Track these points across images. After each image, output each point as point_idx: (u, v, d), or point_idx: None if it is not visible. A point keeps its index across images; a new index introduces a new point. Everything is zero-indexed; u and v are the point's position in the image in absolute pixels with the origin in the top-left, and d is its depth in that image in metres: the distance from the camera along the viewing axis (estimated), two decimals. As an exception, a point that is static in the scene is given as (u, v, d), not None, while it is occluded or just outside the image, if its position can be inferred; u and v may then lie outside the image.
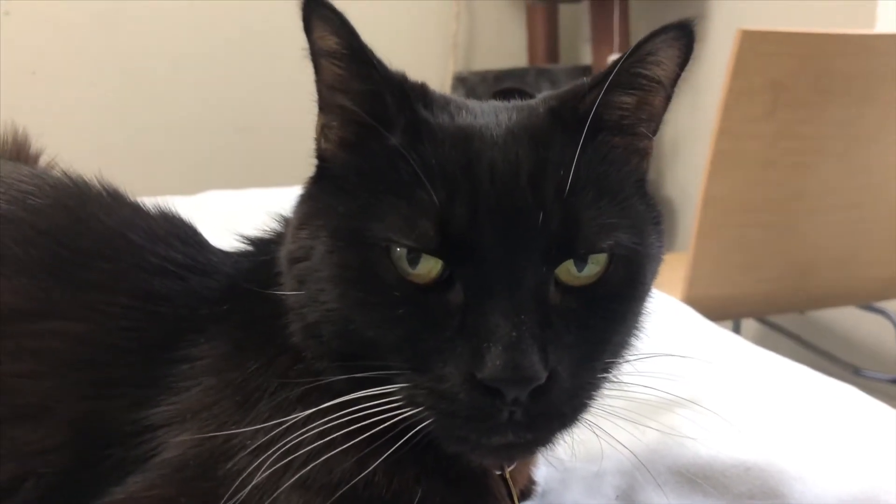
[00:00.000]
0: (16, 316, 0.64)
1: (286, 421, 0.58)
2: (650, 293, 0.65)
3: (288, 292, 0.61)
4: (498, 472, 0.66)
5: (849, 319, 2.23)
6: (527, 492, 0.74)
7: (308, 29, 0.59)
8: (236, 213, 1.60)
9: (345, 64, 0.59)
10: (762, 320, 2.26)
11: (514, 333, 0.53)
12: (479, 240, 0.55)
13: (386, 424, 0.55)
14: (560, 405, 0.56)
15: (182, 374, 0.64)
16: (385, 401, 0.55)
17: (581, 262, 0.57)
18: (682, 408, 0.81)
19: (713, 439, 0.79)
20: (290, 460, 0.57)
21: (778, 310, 2.08)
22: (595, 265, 0.58)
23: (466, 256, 0.55)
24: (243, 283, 0.67)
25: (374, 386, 0.56)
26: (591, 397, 0.59)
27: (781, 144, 1.64)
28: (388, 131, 0.58)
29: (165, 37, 2.90)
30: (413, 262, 0.56)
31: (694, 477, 0.75)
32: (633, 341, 0.65)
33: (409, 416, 0.55)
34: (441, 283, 0.56)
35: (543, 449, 0.63)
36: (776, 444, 0.80)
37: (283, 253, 0.63)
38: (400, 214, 0.56)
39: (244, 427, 0.59)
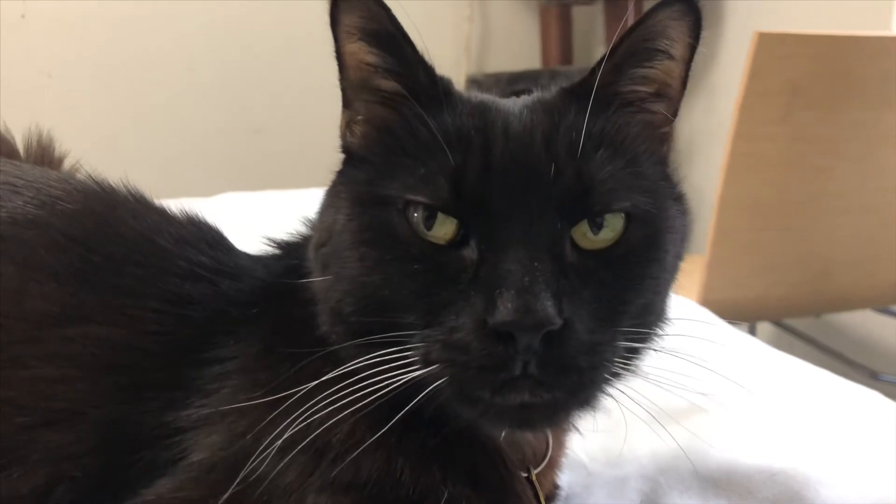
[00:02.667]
0: (47, 321, 0.64)
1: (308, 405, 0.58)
2: (672, 269, 0.64)
3: (315, 279, 0.62)
4: (524, 475, 0.66)
5: (865, 323, 2.22)
6: (551, 496, 0.74)
7: (335, 22, 0.61)
8: (254, 214, 1.61)
9: (383, 43, 0.61)
10: (777, 323, 2.25)
11: (526, 279, 0.53)
12: (492, 195, 0.56)
13: (403, 386, 0.55)
14: (576, 357, 0.54)
15: (211, 375, 0.64)
16: (401, 363, 0.55)
17: (596, 226, 0.58)
18: (705, 412, 0.81)
19: (737, 444, 0.79)
20: (318, 460, 0.58)
21: (794, 313, 2.07)
22: (610, 230, 0.58)
23: (480, 212, 0.56)
24: (272, 287, 0.68)
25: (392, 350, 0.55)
26: (610, 360, 0.57)
27: (798, 147, 1.64)
28: (416, 101, 0.61)
29: (180, 40, 2.91)
30: (429, 223, 0.57)
31: (718, 482, 0.75)
32: (657, 316, 0.64)
33: (424, 375, 0.54)
34: (456, 243, 0.57)
35: (563, 415, 0.61)
36: (801, 449, 0.80)
37: (311, 245, 0.65)
38: (416, 174, 0.58)
39: (273, 426, 0.59)
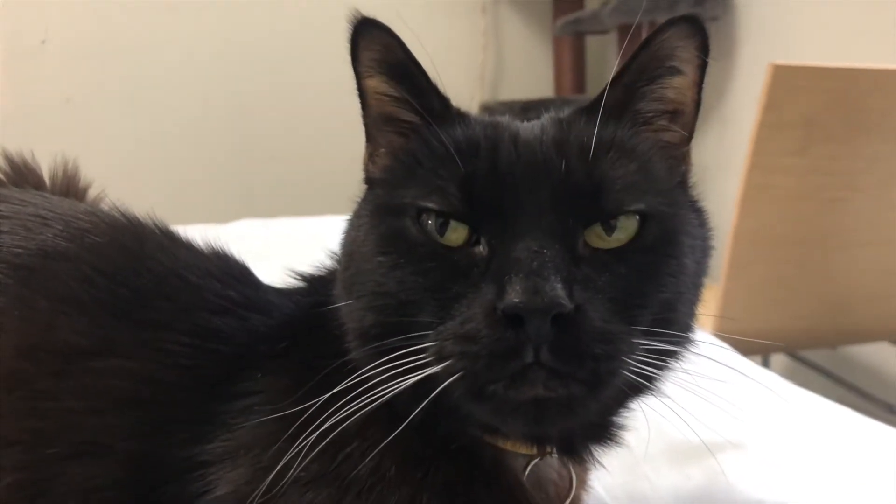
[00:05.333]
0: (77, 354, 0.65)
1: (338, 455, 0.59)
2: (694, 277, 0.62)
3: (341, 303, 0.62)
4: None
5: (881, 355, 2.21)
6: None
7: (356, 59, 0.63)
8: (270, 241, 1.62)
9: (398, 74, 0.63)
10: (792, 355, 2.24)
11: (534, 263, 0.53)
12: (501, 195, 0.57)
13: (418, 384, 0.54)
14: (590, 344, 0.52)
15: (238, 409, 0.64)
16: (416, 364, 0.54)
17: (609, 228, 0.58)
18: (726, 450, 0.81)
19: (758, 482, 0.79)
20: (343, 493, 0.58)
21: (810, 345, 2.06)
22: (623, 232, 0.58)
23: (491, 214, 0.57)
24: (301, 322, 0.68)
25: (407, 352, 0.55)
26: (628, 353, 0.54)
27: (814, 179, 1.64)
28: (432, 122, 0.63)
29: (197, 67, 2.95)
30: (442, 229, 0.58)
31: (742, 521, 0.75)
32: (680, 325, 0.61)
33: (438, 370, 0.54)
34: (469, 245, 0.58)
35: (580, 413, 0.57)
36: (821, 488, 0.79)
37: (339, 273, 0.66)
38: (429, 183, 0.59)
39: (298, 460, 0.59)
